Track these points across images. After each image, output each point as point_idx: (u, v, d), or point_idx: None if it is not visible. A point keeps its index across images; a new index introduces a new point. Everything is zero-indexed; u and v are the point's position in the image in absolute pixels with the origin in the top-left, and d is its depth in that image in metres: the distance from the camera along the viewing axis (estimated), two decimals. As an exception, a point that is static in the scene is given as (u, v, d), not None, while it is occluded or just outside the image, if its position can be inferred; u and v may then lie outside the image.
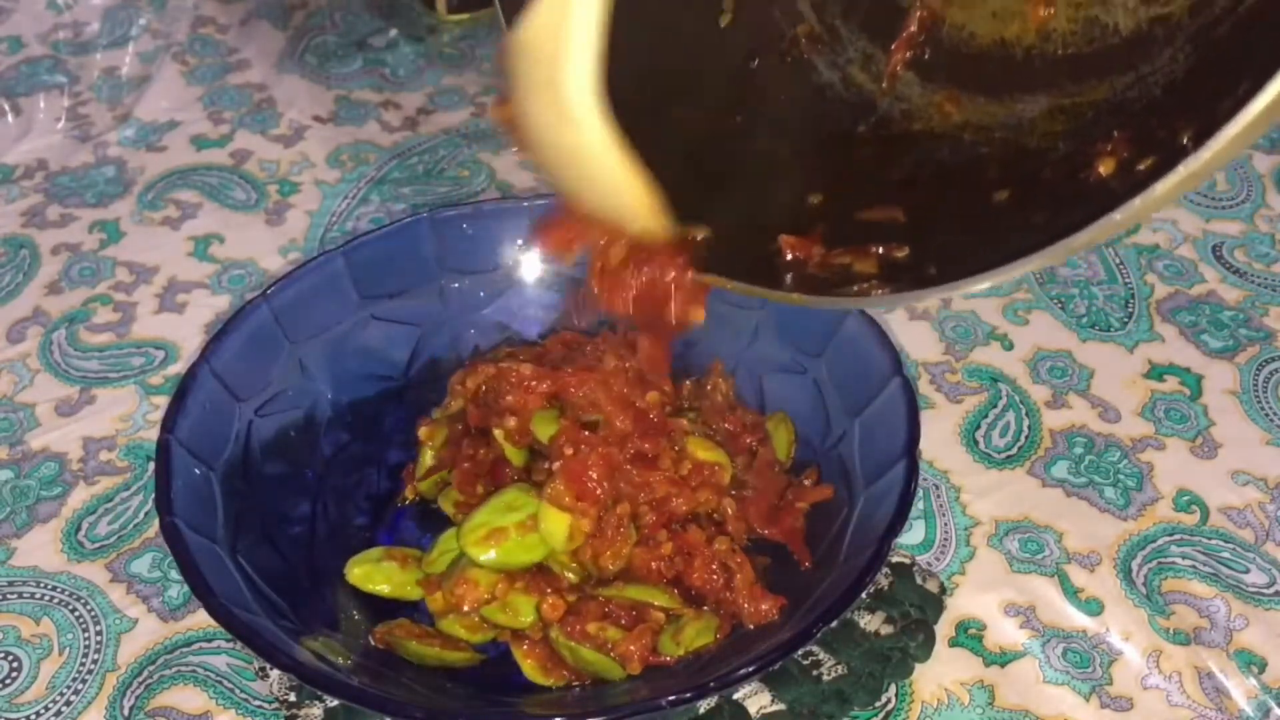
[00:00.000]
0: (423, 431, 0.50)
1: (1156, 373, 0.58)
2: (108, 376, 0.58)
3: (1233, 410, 0.56)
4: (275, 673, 0.45)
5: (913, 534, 0.51)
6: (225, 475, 0.46)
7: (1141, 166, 0.30)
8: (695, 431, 0.48)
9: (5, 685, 0.46)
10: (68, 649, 0.47)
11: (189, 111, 0.76)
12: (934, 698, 0.45)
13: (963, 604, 0.48)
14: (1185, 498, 0.52)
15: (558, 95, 0.35)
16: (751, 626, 0.44)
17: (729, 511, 0.47)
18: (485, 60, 0.81)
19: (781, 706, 0.44)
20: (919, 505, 0.52)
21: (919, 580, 0.48)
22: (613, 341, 0.50)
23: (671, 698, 0.38)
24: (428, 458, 0.50)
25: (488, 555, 0.44)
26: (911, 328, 0.60)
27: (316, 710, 0.44)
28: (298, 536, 0.48)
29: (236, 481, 0.46)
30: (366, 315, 0.52)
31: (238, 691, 0.46)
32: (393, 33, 0.83)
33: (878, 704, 0.45)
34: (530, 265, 0.55)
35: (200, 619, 0.48)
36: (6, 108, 0.76)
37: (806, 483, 0.48)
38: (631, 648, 0.43)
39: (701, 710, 0.44)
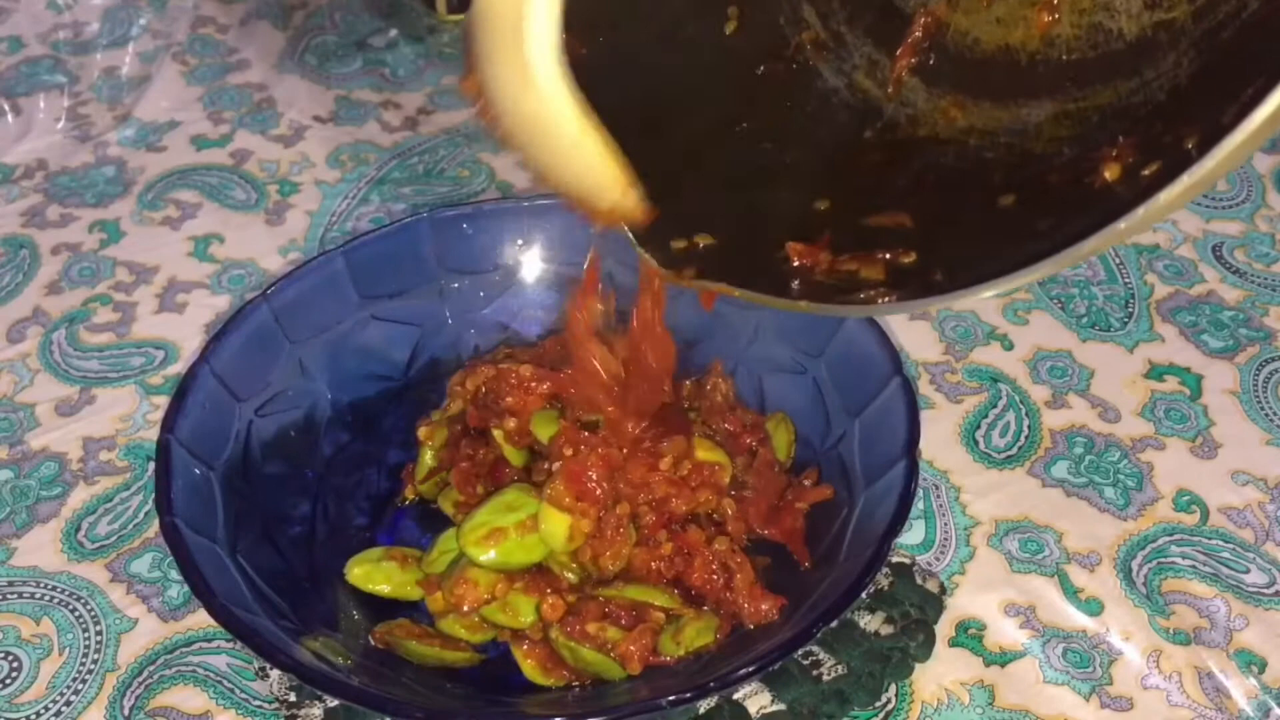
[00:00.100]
0: (422, 432, 0.50)
1: (1156, 373, 0.58)
2: (108, 376, 0.58)
3: (1233, 410, 0.56)
4: (275, 673, 0.45)
5: (913, 534, 0.51)
6: (225, 475, 0.46)
7: (1146, 172, 0.30)
8: (695, 431, 0.48)
9: (5, 685, 0.46)
10: (68, 649, 0.47)
11: (189, 111, 0.76)
12: (934, 698, 0.45)
13: (963, 604, 0.48)
14: (1185, 498, 0.52)
15: (519, 60, 0.34)
16: (751, 626, 0.44)
17: (729, 511, 0.47)
18: (485, 60, 0.81)
19: (781, 706, 0.44)
20: (919, 505, 0.52)
21: (919, 580, 0.48)
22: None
23: (671, 698, 0.38)
24: (427, 458, 0.50)
25: (487, 555, 0.44)
26: (911, 328, 0.60)
27: (316, 710, 0.44)
28: (298, 536, 0.48)
29: (236, 481, 0.46)
30: (366, 315, 0.52)
31: (238, 691, 0.46)
32: (393, 33, 0.83)
33: (878, 704, 0.45)
34: (530, 265, 0.55)
35: (200, 619, 0.48)
36: (6, 108, 0.76)
37: (806, 483, 0.48)
38: (631, 648, 0.43)
39: (701, 710, 0.44)
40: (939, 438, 0.55)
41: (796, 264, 0.38)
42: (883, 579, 0.48)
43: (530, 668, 0.44)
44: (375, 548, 0.48)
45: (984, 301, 0.62)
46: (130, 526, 0.52)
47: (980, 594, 0.49)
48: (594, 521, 0.44)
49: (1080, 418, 0.56)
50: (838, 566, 0.43)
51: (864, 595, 0.44)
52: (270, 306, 0.49)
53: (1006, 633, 0.47)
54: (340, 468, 0.51)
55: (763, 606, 0.44)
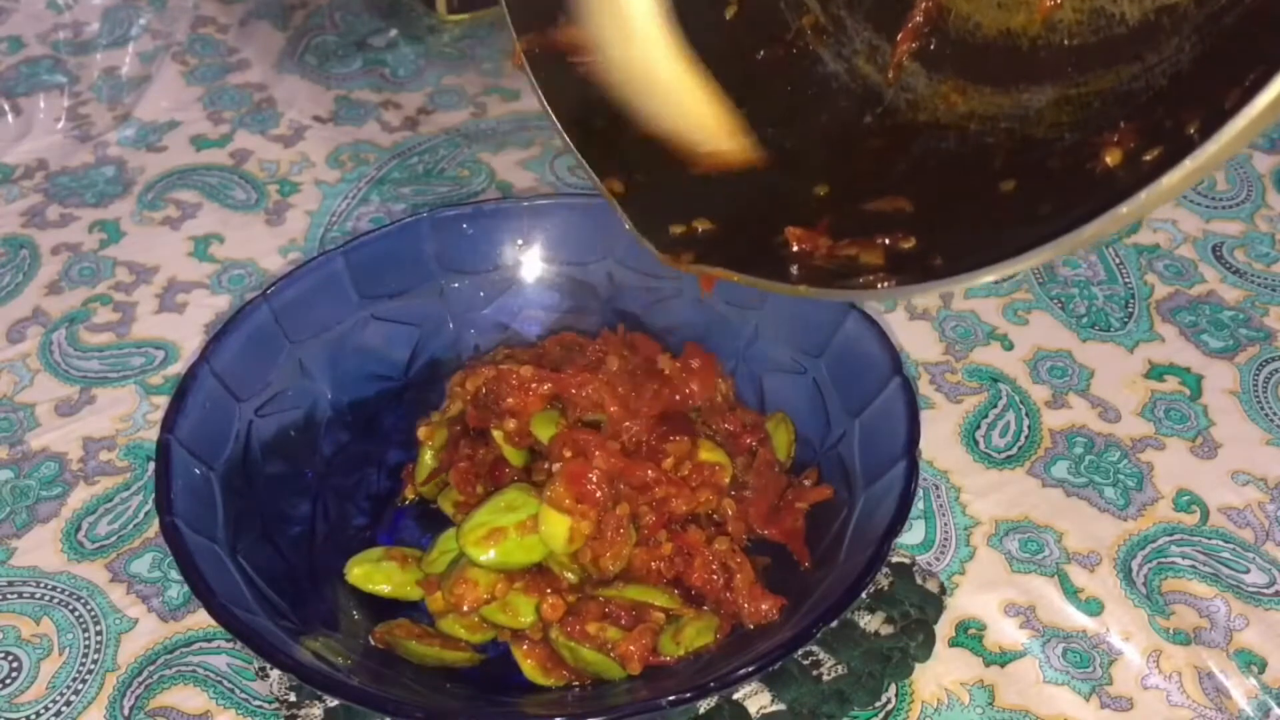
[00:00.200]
0: (422, 432, 0.50)
1: (1156, 373, 0.58)
2: (108, 376, 0.58)
3: (1233, 410, 0.56)
4: (275, 673, 0.45)
5: (913, 534, 0.51)
6: (225, 475, 0.46)
7: (1148, 157, 0.30)
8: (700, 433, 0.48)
9: (5, 685, 0.46)
10: (68, 649, 0.47)
11: (189, 111, 0.76)
12: (934, 698, 0.45)
13: (963, 604, 0.48)
14: (1185, 498, 0.52)
15: (622, 11, 0.35)
16: (751, 626, 0.44)
17: (729, 512, 0.47)
18: (485, 60, 0.81)
19: (781, 706, 0.44)
20: (919, 505, 0.52)
21: (919, 580, 0.48)
22: (613, 342, 0.50)
23: (671, 698, 0.38)
24: (427, 458, 0.50)
25: (487, 555, 0.44)
26: (911, 328, 0.60)
27: (316, 710, 0.44)
28: (298, 536, 0.48)
29: (236, 481, 0.46)
30: (366, 315, 0.52)
31: (238, 691, 0.46)
32: (393, 33, 0.83)
33: (878, 704, 0.45)
34: (530, 265, 0.55)
35: (200, 619, 0.48)
36: (6, 108, 0.76)
37: (806, 483, 0.48)
38: (631, 648, 0.43)
39: (701, 710, 0.44)
40: (939, 438, 0.55)
41: (796, 249, 0.38)
42: (883, 579, 0.48)
43: (530, 668, 0.44)
44: (375, 548, 0.48)
45: (982, 300, 0.62)
46: (130, 526, 0.52)
47: (980, 594, 0.49)
48: (594, 523, 0.44)
49: (1080, 418, 0.56)
50: (838, 566, 0.43)
51: (864, 595, 0.44)
52: (270, 306, 0.49)
53: (1006, 633, 0.47)
54: (340, 468, 0.51)
55: (763, 606, 0.44)
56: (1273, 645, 0.47)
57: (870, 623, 0.46)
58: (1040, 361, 0.59)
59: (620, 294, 0.54)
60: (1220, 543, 0.50)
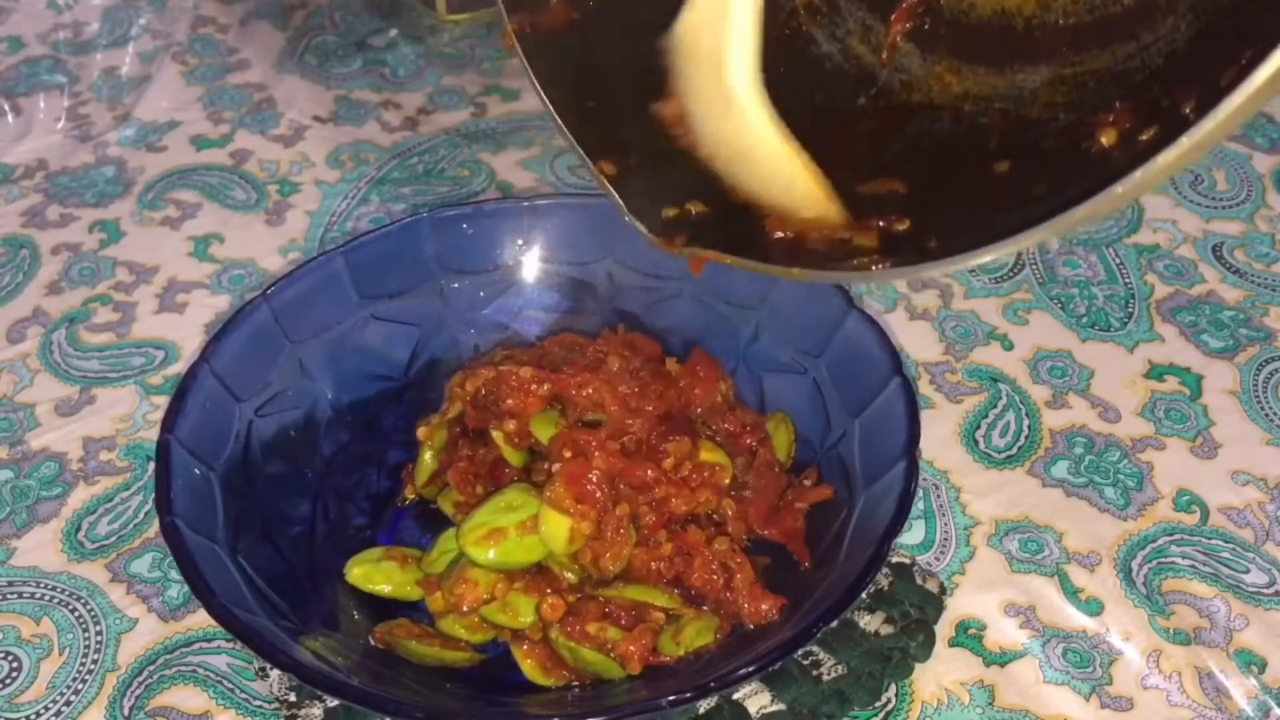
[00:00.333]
0: (421, 432, 0.50)
1: (1156, 373, 0.58)
2: (108, 376, 0.58)
3: (1233, 410, 0.56)
4: (275, 673, 0.45)
5: (913, 534, 0.51)
6: (225, 475, 0.46)
7: (1144, 137, 0.30)
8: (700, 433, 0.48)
9: (5, 685, 0.46)
10: (68, 649, 0.47)
11: (189, 111, 0.76)
12: (934, 698, 0.45)
13: (963, 604, 0.48)
14: (1185, 498, 0.52)
15: (722, 87, 0.35)
16: (751, 626, 0.44)
17: (729, 512, 0.47)
18: (485, 60, 0.81)
19: (781, 706, 0.44)
20: (919, 505, 0.52)
21: (919, 580, 0.48)
22: (614, 342, 0.50)
23: (671, 698, 0.38)
24: (427, 458, 0.50)
25: (487, 555, 0.44)
26: (911, 328, 0.60)
27: (316, 710, 0.44)
28: (298, 536, 0.48)
29: (236, 481, 0.46)
30: (366, 315, 0.52)
31: (238, 691, 0.46)
32: (393, 33, 0.83)
33: (878, 704, 0.45)
34: (530, 265, 0.55)
35: (200, 619, 0.48)
36: (6, 108, 0.76)
37: (806, 483, 0.48)
38: (631, 648, 0.43)
39: (701, 710, 0.44)
40: (939, 438, 0.55)
41: (779, 236, 0.38)
42: (883, 579, 0.48)
43: (530, 668, 0.44)
44: (375, 548, 0.48)
45: (982, 300, 0.62)
46: (130, 526, 0.52)
47: (980, 594, 0.49)
48: (594, 523, 0.44)
49: (1080, 418, 0.56)
50: (838, 566, 0.43)
51: (864, 595, 0.44)
52: (270, 306, 0.49)
53: (1006, 633, 0.47)
54: (340, 468, 0.51)
55: (763, 606, 0.44)
56: (1273, 645, 0.47)
57: (870, 623, 0.46)
58: (1040, 361, 0.59)
59: (620, 294, 0.54)
60: (1220, 543, 0.50)
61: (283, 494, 0.49)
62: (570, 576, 0.45)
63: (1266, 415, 0.56)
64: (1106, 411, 0.56)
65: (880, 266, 0.35)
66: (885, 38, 0.41)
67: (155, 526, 0.51)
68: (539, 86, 0.43)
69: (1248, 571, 0.49)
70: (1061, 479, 0.53)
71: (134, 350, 0.60)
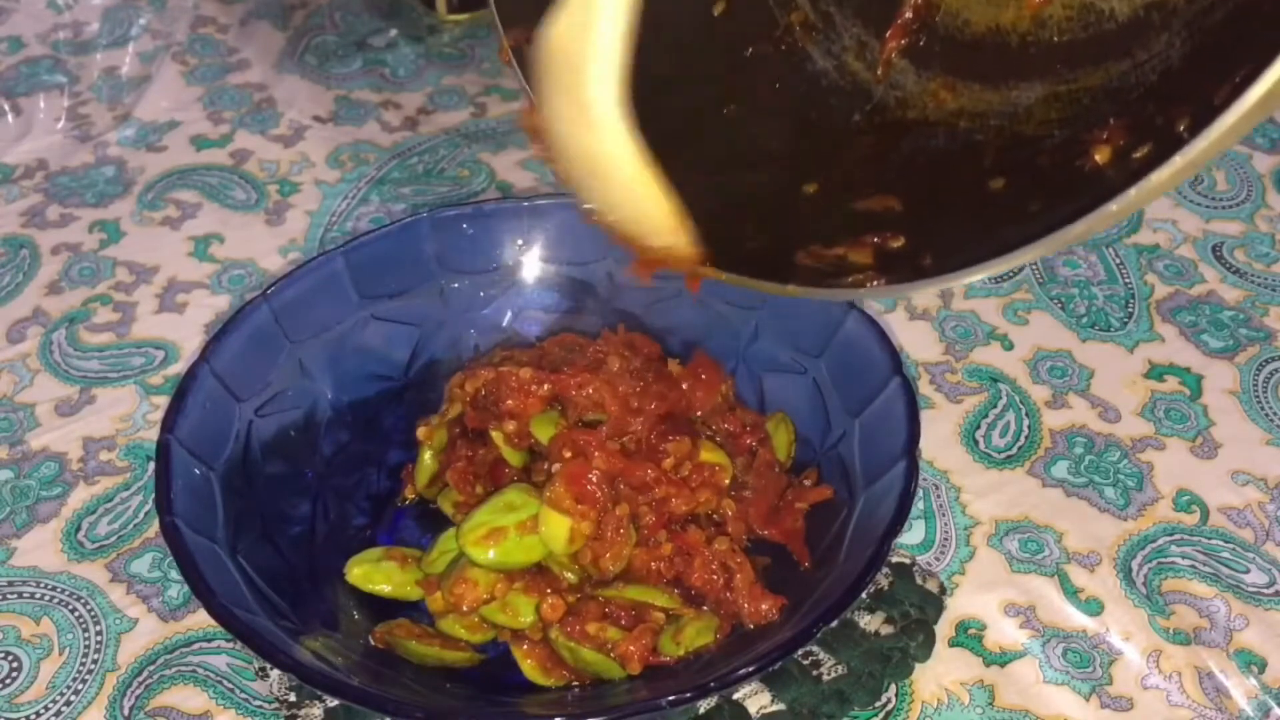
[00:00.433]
0: (421, 432, 0.50)
1: (1156, 373, 0.58)
2: (108, 376, 0.58)
3: (1233, 410, 0.56)
4: (275, 673, 0.45)
5: (913, 534, 0.51)
6: (225, 475, 0.46)
7: (1138, 154, 0.30)
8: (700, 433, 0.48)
9: (5, 685, 0.46)
10: (68, 649, 0.47)
11: (189, 111, 0.76)
12: (934, 698, 0.45)
13: (963, 604, 0.48)
14: (1185, 498, 0.52)
15: (581, 99, 0.34)
16: (751, 626, 0.44)
17: (729, 512, 0.47)
18: (485, 60, 0.81)
19: (781, 706, 0.44)
20: (919, 505, 0.52)
21: (919, 580, 0.48)
22: (614, 342, 0.50)
23: (671, 698, 0.38)
24: (427, 459, 0.50)
25: (487, 555, 0.44)
26: (911, 328, 0.60)
27: (316, 710, 0.44)
28: (298, 536, 0.48)
29: (236, 481, 0.46)
30: (366, 315, 0.52)
31: (238, 691, 0.46)
32: (393, 33, 0.83)
33: (878, 704, 0.45)
34: (530, 265, 0.55)
35: (200, 619, 0.48)
36: (6, 108, 0.76)
37: (806, 483, 0.48)
38: (631, 648, 0.43)
39: (701, 710, 0.44)
40: (939, 438, 0.55)
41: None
42: (883, 579, 0.48)
43: (530, 668, 0.44)
44: (375, 548, 0.48)
45: (982, 300, 0.62)
46: (130, 526, 0.52)
47: (980, 594, 0.49)
48: (594, 523, 0.44)
49: (1080, 418, 0.56)
50: (838, 566, 0.43)
51: (864, 595, 0.44)
52: (270, 306, 0.49)
53: (1006, 633, 0.47)
54: (340, 468, 0.51)
55: (763, 606, 0.44)
56: (1273, 645, 0.47)
57: (870, 623, 0.46)
58: (1040, 361, 0.59)
59: (620, 294, 0.54)
60: (1220, 543, 0.50)
61: (283, 494, 0.49)
62: (570, 576, 0.45)
63: (1266, 415, 0.56)
64: (1106, 411, 0.56)
65: (875, 284, 0.35)
66: (880, 54, 0.41)
67: (155, 526, 0.51)
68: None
69: (1248, 571, 0.49)
70: (1061, 479, 0.53)
71: (134, 350, 0.60)
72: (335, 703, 0.44)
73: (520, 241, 0.54)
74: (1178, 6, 0.34)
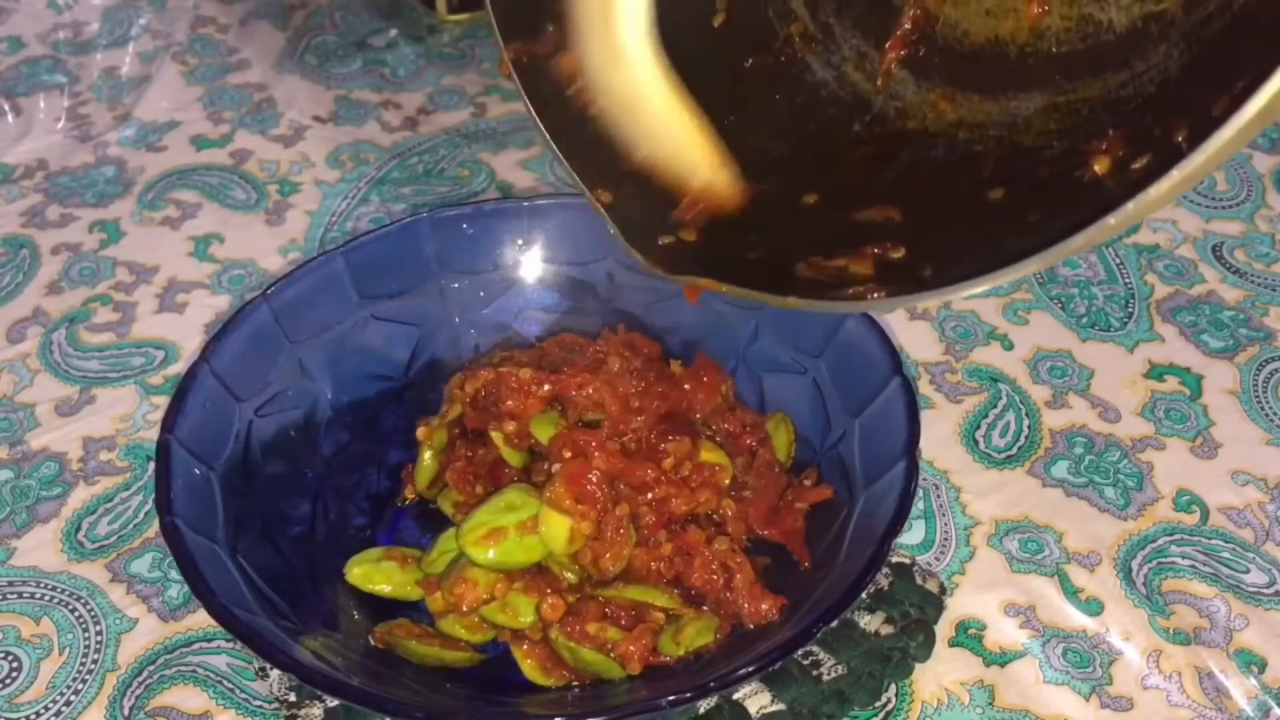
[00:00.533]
0: (421, 433, 0.50)
1: (1156, 373, 0.58)
2: (108, 376, 0.58)
3: (1233, 410, 0.56)
4: (275, 673, 0.45)
5: (913, 534, 0.51)
6: (225, 475, 0.46)
7: (1136, 165, 0.30)
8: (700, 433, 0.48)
9: (5, 685, 0.46)
10: (68, 649, 0.47)
11: (189, 111, 0.76)
12: (934, 698, 0.45)
13: (963, 604, 0.48)
14: (1185, 498, 0.52)
15: (611, 35, 0.35)
16: (751, 626, 0.44)
17: (729, 512, 0.47)
18: (485, 60, 0.81)
19: (781, 706, 0.44)
20: (919, 505, 0.52)
21: (919, 580, 0.48)
22: (614, 342, 0.50)
23: (671, 698, 0.38)
24: (427, 459, 0.50)
25: (487, 555, 0.44)
26: (911, 328, 0.60)
27: (316, 710, 0.44)
28: (298, 536, 0.48)
29: (236, 481, 0.46)
30: (366, 315, 0.52)
31: (238, 691, 0.46)
32: (393, 33, 0.83)
33: (878, 704, 0.45)
34: (530, 265, 0.55)
35: (200, 619, 0.48)
36: (6, 108, 0.76)
37: (806, 483, 0.48)
38: (631, 648, 0.43)
39: (701, 710, 0.44)
40: (939, 438, 0.55)
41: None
42: (883, 579, 0.48)
43: (530, 668, 0.44)
44: (375, 548, 0.48)
45: (982, 300, 0.62)
46: (130, 526, 0.52)
47: (980, 594, 0.49)
48: (594, 523, 0.44)
49: (1080, 418, 0.56)
50: (838, 566, 0.43)
51: (864, 595, 0.44)
52: (270, 306, 0.49)
53: (1006, 633, 0.47)
54: (340, 468, 0.51)
55: (763, 606, 0.44)
56: (1273, 645, 0.47)
57: (870, 623, 0.46)
58: (1040, 361, 0.59)
59: (620, 294, 0.54)
60: (1220, 543, 0.50)
61: (283, 494, 0.49)
62: (570, 576, 0.45)
63: (1266, 415, 0.56)
64: (1106, 411, 0.56)
65: (876, 296, 0.35)
66: (880, 65, 0.42)
67: (155, 526, 0.51)
68: (535, 115, 0.43)
69: (1248, 571, 0.49)
70: (1061, 479, 0.53)
71: (134, 350, 0.60)
72: (335, 703, 0.44)
73: (520, 241, 0.55)
74: (1176, 17, 0.34)
